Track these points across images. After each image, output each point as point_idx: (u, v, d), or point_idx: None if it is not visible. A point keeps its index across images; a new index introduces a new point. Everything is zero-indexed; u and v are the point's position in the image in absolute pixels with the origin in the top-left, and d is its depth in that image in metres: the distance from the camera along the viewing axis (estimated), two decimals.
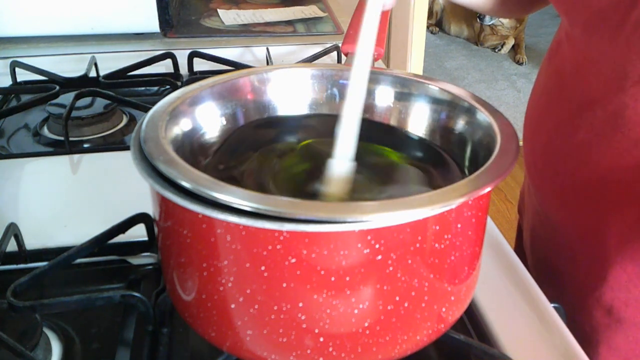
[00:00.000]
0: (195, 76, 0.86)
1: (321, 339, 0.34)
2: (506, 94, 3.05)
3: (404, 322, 0.35)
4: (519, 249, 0.74)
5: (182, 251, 0.35)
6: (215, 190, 0.31)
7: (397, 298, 0.34)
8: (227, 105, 0.45)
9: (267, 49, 0.93)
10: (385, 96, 0.47)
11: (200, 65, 0.87)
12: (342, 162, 0.39)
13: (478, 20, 3.44)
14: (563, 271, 0.62)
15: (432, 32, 3.78)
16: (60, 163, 0.67)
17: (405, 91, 0.47)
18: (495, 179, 0.33)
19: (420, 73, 1.93)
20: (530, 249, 0.68)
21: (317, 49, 0.87)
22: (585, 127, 0.54)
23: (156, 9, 1.01)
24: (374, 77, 0.47)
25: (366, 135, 0.47)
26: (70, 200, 0.61)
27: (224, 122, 0.45)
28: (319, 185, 0.39)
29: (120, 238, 0.48)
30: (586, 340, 0.59)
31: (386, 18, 0.58)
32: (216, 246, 0.33)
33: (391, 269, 0.33)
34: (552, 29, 3.91)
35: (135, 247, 0.51)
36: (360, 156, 0.45)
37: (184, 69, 0.87)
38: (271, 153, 0.44)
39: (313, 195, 0.39)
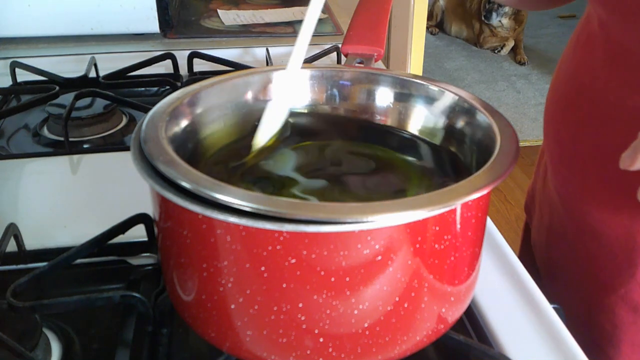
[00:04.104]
0: (195, 77, 0.86)
1: (321, 340, 0.34)
2: (506, 94, 3.05)
3: (404, 323, 0.35)
4: (526, 248, 0.73)
5: (182, 251, 0.35)
6: (215, 190, 0.31)
7: (397, 299, 0.34)
8: (227, 105, 0.45)
9: (267, 49, 0.93)
10: (385, 97, 0.47)
11: (200, 65, 0.87)
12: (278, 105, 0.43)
13: (483, 19, 3.42)
14: (582, 269, 0.61)
15: (432, 33, 3.79)
16: (60, 163, 0.67)
17: (405, 92, 0.47)
18: (495, 179, 0.33)
19: (420, 74, 1.93)
20: (545, 247, 0.67)
21: (316, 49, 0.87)
22: (618, 121, 0.52)
23: (156, 10, 1.01)
24: (374, 78, 0.47)
25: (366, 137, 0.47)
26: (70, 200, 0.61)
27: (224, 123, 0.45)
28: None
29: (120, 238, 0.48)
30: (606, 338, 0.59)
31: (386, 18, 0.58)
32: (216, 247, 0.33)
33: (391, 269, 0.33)
34: (551, 29, 3.91)
35: (135, 248, 0.51)
36: (360, 156, 0.45)
37: (183, 70, 0.87)
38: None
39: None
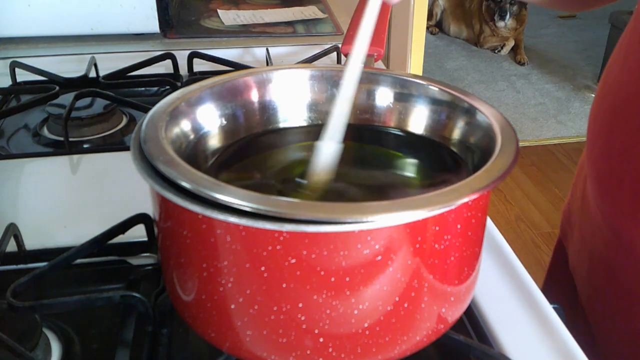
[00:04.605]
0: (195, 77, 0.86)
1: (321, 340, 0.34)
2: (506, 94, 3.05)
3: (404, 323, 0.35)
4: (558, 270, 0.69)
5: (182, 251, 0.35)
6: (215, 190, 0.31)
7: (397, 299, 0.34)
8: (227, 105, 0.45)
9: (267, 49, 0.93)
10: (385, 97, 0.47)
11: (200, 65, 0.87)
12: (330, 144, 0.40)
13: (498, 19, 3.38)
14: (627, 300, 0.56)
15: (432, 33, 3.79)
16: (60, 163, 0.67)
17: (405, 92, 0.47)
18: (495, 180, 0.33)
19: (420, 74, 1.93)
20: (586, 273, 0.61)
21: (316, 49, 0.87)
22: None
23: (156, 10, 1.01)
24: (374, 78, 0.47)
25: (366, 138, 0.47)
26: (70, 200, 0.61)
27: (224, 123, 0.45)
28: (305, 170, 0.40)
29: (120, 238, 0.48)
30: None
31: (386, 18, 0.58)
32: (216, 247, 0.33)
33: (391, 269, 0.33)
34: (551, 29, 3.91)
35: (135, 248, 0.51)
36: (361, 157, 0.45)
37: (183, 70, 0.87)
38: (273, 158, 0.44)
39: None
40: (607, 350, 0.56)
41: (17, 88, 0.85)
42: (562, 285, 0.52)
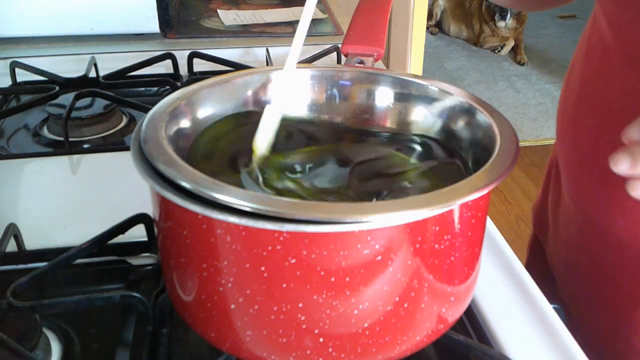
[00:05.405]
0: (195, 77, 0.86)
1: (321, 340, 0.34)
2: (506, 94, 3.06)
3: (404, 323, 0.35)
4: (534, 262, 0.71)
5: (181, 251, 0.35)
6: (215, 190, 0.31)
7: (397, 299, 0.34)
8: (227, 105, 0.45)
9: (267, 49, 0.93)
10: (384, 97, 0.47)
11: (200, 65, 0.87)
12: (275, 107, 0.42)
13: (499, 18, 3.38)
14: (606, 282, 0.58)
15: (432, 33, 3.79)
16: (60, 163, 0.67)
17: (405, 92, 0.47)
18: (495, 180, 0.33)
19: (420, 74, 1.93)
20: (564, 264, 0.63)
21: (316, 49, 0.87)
22: None
23: (156, 10, 1.01)
24: (374, 78, 0.47)
25: (365, 137, 0.47)
26: (70, 200, 0.61)
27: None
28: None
29: (120, 238, 0.48)
30: (634, 354, 0.56)
31: (386, 18, 0.58)
32: (216, 247, 0.33)
33: (391, 269, 0.33)
34: (551, 29, 3.91)
35: (135, 248, 0.51)
36: (362, 158, 0.45)
37: (183, 70, 0.87)
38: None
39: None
40: (589, 341, 0.57)
41: (17, 88, 0.85)
42: (539, 283, 0.53)
